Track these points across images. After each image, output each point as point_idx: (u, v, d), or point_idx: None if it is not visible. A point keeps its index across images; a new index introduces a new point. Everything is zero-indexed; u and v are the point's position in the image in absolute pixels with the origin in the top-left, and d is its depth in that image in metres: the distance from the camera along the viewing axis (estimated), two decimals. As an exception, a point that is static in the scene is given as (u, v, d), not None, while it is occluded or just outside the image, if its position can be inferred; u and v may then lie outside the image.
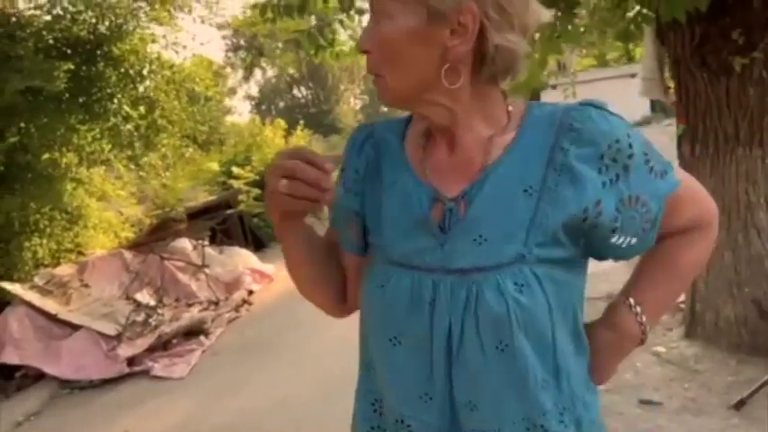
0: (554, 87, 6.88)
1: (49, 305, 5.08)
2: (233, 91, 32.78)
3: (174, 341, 5.28)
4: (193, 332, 5.44)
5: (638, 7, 3.32)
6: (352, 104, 39.07)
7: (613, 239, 0.86)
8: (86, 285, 5.64)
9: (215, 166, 10.78)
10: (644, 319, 0.95)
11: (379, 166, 0.97)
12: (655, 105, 19.95)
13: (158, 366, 4.82)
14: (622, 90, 12.90)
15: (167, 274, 6.25)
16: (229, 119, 22.62)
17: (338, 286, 1.05)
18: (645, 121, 21.43)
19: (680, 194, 0.89)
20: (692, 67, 3.39)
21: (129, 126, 6.88)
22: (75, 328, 4.96)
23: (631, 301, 0.96)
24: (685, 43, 3.39)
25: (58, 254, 6.48)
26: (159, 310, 5.69)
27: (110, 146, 6.98)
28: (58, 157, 6.51)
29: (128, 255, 6.25)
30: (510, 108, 0.91)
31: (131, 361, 4.86)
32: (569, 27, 4.13)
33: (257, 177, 9.66)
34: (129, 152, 7.26)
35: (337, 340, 3.54)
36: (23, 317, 4.91)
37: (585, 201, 0.83)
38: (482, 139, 0.88)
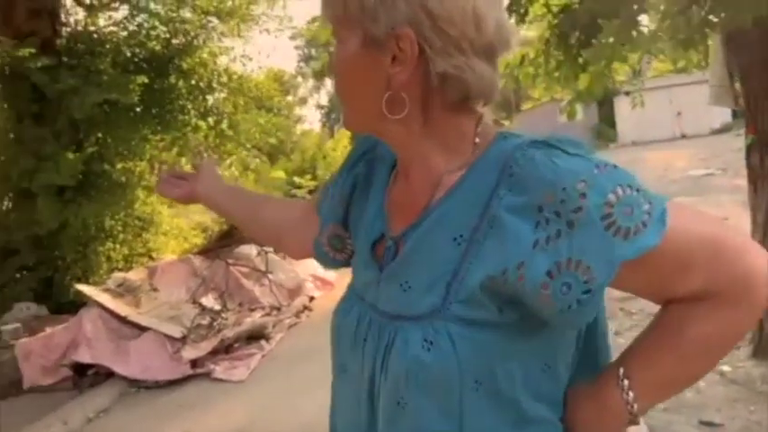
0: (627, 94, 6.66)
1: (121, 307, 5.32)
2: (303, 100, 33.50)
3: (236, 345, 5.43)
4: (255, 336, 5.57)
5: (702, 13, 3.21)
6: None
7: (543, 309, 0.72)
8: (155, 289, 5.88)
9: (281, 175, 11.06)
10: (631, 396, 0.78)
11: (370, 184, 0.94)
12: (737, 113, 19.05)
13: (219, 369, 4.96)
14: (700, 97, 12.36)
15: (232, 280, 6.44)
16: (300, 128, 23.15)
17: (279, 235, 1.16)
18: (724, 129, 20.47)
19: (670, 252, 0.71)
20: (760, 74, 3.25)
21: (198, 136, 7.16)
22: (144, 329, 5.17)
23: (621, 371, 0.79)
24: (753, 50, 3.25)
25: (130, 258, 6.81)
26: (223, 315, 5.87)
27: (180, 155, 7.29)
28: (132, 166, 6.84)
29: (195, 260, 6.48)
30: (477, 140, 0.80)
31: (195, 363, 5.02)
32: (634, 33, 4.02)
33: (321, 185, 9.86)
34: (199, 161, 7.56)
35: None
36: (97, 318, 5.16)
37: (506, 261, 0.71)
38: (434, 175, 0.81)
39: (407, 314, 0.78)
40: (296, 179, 10.34)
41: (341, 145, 12.59)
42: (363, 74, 0.79)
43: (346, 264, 1.01)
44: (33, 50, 5.90)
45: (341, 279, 6.97)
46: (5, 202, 6.56)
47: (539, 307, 0.72)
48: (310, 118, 41.74)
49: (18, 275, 6.30)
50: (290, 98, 20.76)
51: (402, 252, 0.82)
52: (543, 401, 0.79)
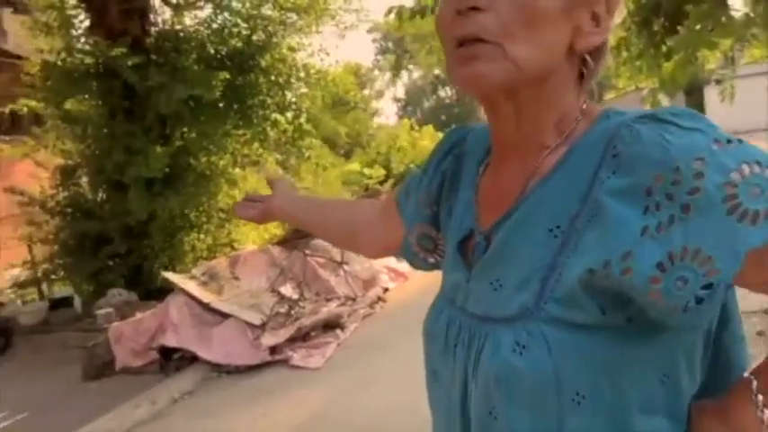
0: (718, 82, 6.30)
1: (204, 295, 5.56)
2: (380, 94, 33.69)
3: (313, 333, 5.56)
4: (330, 325, 5.70)
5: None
6: (497, 103, 38.62)
7: (654, 308, 0.63)
8: (237, 278, 6.10)
9: (356, 167, 11.20)
10: (767, 414, 0.65)
11: (459, 181, 0.87)
12: None
13: (297, 356, 5.10)
14: (804, 82, 11.53)
15: (309, 270, 6.60)
16: (376, 121, 23.33)
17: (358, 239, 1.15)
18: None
19: None
20: None
21: (277, 131, 7.34)
22: (226, 316, 5.38)
23: (754, 385, 0.66)
24: None
25: (213, 248, 7.07)
26: (301, 303, 6.02)
27: (260, 149, 7.50)
28: (215, 159, 7.10)
29: (275, 250, 6.67)
30: (578, 116, 0.73)
31: (273, 350, 5.18)
32: (723, 19, 3.83)
33: (396, 177, 9.91)
34: (278, 155, 7.76)
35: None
36: (182, 305, 5.41)
37: (609, 252, 0.63)
38: (534, 157, 0.73)
39: (498, 315, 0.71)
40: (366, 170, 10.43)
41: (427, 137, 12.59)
42: (562, 21, 0.69)
43: (439, 267, 0.94)
44: (125, 50, 6.22)
45: (415, 271, 7.00)
46: (100, 194, 6.96)
47: (648, 305, 0.63)
48: (387, 111, 42.11)
49: (111, 263, 6.68)
50: (366, 91, 20.94)
51: (491, 247, 0.74)
52: (661, 417, 0.69)
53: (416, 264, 0.99)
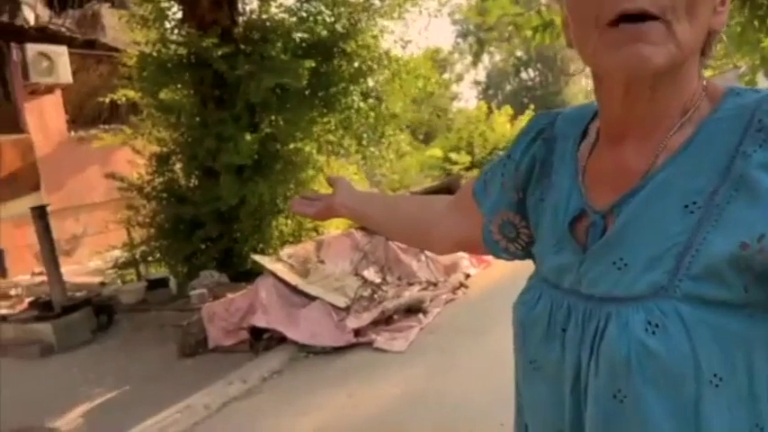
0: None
1: (291, 277, 5.73)
2: (460, 77, 33.30)
3: (396, 317, 5.64)
4: (413, 310, 5.75)
5: None
6: (583, 84, 37.40)
7: None
8: (322, 261, 6.25)
9: (438, 153, 11.13)
10: None
11: (550, 165, 0.86)
12: None
13: (381, 339, 5.19)
14: None
15: (391, 254, 6.67)
16: (456, 105, 23.14)
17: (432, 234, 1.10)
18: None
19: None
20: None
21: (360, 118, 7.41)
22: (312, 299, 5.53)
23: None
24: None
25: (299, 232, 7.25)
26: (383, 287, 6.11)
27: (344, 136, 7.59)
28: (302, 146, 7.25)
29: (358, 235, 6.77)
30: (702, 93, 0.72)
31: (358, 332, 5.29)
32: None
33: (479, 162, 9.81)
34: (360, 142, 7.83)
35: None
36: (271, 286, 5.60)
37: (762, 226, 0.62)
38: (659, 135, 0.72)
39: (624, 295, 0.69)
40: (452, 155, 10.29)
41: (504, 119, 12.36)
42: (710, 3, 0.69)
43: (520, 256, 0.94)
44: (215, 40, 6.44)
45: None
46: (193, 180, 7.26)
47: None
48: (467, 95, 41.56)
49: (203, 246, 6.97)
50: (446, 75, 20.79)
51: (614, 226, 0.72)
52: None
53: (497, 252, 0.96)
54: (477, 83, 38.12)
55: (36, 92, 10.62)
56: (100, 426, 4.43)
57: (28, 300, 7.74)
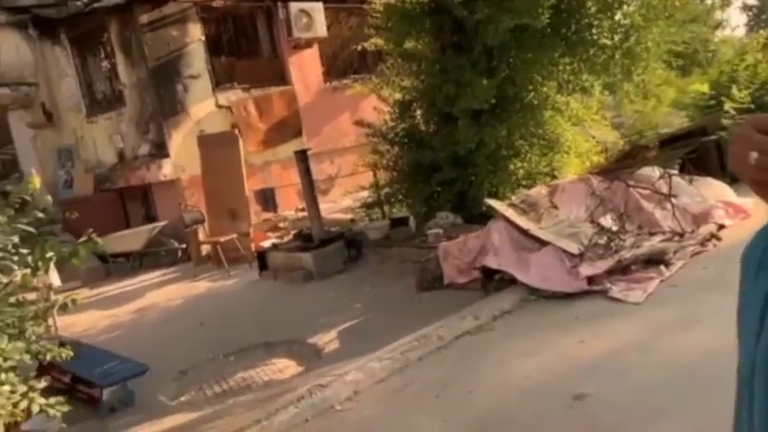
0: None
1: (523, 221, 5.77)
2: (726, 2, 29.15)
3: (633, 267, 5.39)
4: (654, 261, 5.44)
5: None
6: None
7: None
8: (555, 207, 6.17)
9: (703, 88, 9.89)
10: None
11: None
12: None
13: (616, 289, 5.03)
14: None
15: (632, 202, 6.32)
16: (720, 34, 20.45)
17: None
18: None
19: None
20: None
21: (605, 55, 7.00)
22: (543, 243, 5.52)
23: None
24: None
25: (533, 176, 7.20)
26: (621, 236, 5.85)
27: (587, 75, 7.24)
28: (539, 88, 7.11)
29: (594, 180, 6.53)
30: None
31: (591, 280, 5.18)
32: None
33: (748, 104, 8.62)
34: (606, 79, 7.41)
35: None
36: (503, 230, 5.71)
37: None
38: None
39: None
40: (735, 91, 8.82)
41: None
42: None
43: None
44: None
45: (757, 208, 6.18)
46: (431, 126, 7.57)
47: None
48: (735, 21, 36.21)
49: (440, 189, 7.30)
50: (708, 1, 18.32)
51: None
52: None
53: None
54: (746, 7, 33.00)
55: (297, 46, 11.82)
56: (349, 345, 5.01)
57: (293, 232, 8.90)
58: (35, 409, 2.68)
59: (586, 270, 5.23)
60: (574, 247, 5.43)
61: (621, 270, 5.35)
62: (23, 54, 11.12)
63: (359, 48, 8.72)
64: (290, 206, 10.82)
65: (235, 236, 9.01)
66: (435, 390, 3.96)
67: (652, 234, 5.96)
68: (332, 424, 3.76)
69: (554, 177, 7.20)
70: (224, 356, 5.30)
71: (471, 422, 3.46)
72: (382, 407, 3.88)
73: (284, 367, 4.95)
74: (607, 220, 6.04)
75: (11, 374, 2.65)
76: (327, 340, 5.28)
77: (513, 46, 6.77)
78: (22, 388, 2.64)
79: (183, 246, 9.91)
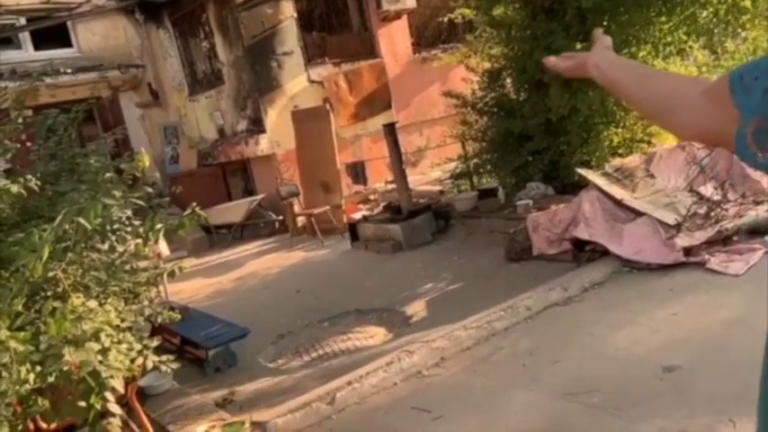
0: None
1: (616, 191, 5.61)
2: None
3: (735, 238, 5.15)
4: (759, 231, 5.17)
5: None
6: None
7: None
8: (652, 176, 5.95)
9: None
10: None
11: None
12: None
13: (714, 260, 4.83)
14: None
15: (736, 169, 5.98)
16: None
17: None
18: None
19: None
20: None
21: (707, 13, 6.60)
22: (638, 214, 5.36)
23: None
24: None
25: (629, 144, 6.94)
26: (723, 205, 5.57)
27: (686, 35, 6.85)
28: (636, 51, 6.80)
29: (695, 148, 6.22)
30: None
31: (688, 251, 5.00)
32: None
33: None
34: (707, 39, 6.98)
35: None
36: (594, 200, 5.58)
37: None
38: None
39: None
40: None
41: None
42: None
43: None
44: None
45: None
46: (522, 94, 7.43)
47: None
48: None
49: (530, 159, 7.17)
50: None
51: None
52: None
53: (747, 159, 0.92)
54: None
55: (387, 18, 11.85)
56: (438, 313, 5.11)
57: (382, 204, 9.07)
58: (149, 365, 2.97)
59: (683, 241, 5.05)
60: (670, 218, 5.25)
61: (722, 241, 5.12)
62: (131, 37, 11.83)
63: (447, 18, 8.65)
64: (380, 179, 11.00)
65: (328, 208, 9.30)
66: (521, 359, 3.99)
67: (758, 203, 5.64)
68: (419, 388, 3.89)
69: (651, 145, 6.92)
70: (318, 322, 5.55)
71: (557, 390, 3.48)
72: (468, 374, 3.96)
73: (374, 334, 5.13)
74: (707, 189, 5.77)
75: (128, 334, 2.93)
76: (416, 308, 5.41)
77: (608, 8, 6.50)
78: (138, 346, 2.91)
79: (281, 217, 10.33)
